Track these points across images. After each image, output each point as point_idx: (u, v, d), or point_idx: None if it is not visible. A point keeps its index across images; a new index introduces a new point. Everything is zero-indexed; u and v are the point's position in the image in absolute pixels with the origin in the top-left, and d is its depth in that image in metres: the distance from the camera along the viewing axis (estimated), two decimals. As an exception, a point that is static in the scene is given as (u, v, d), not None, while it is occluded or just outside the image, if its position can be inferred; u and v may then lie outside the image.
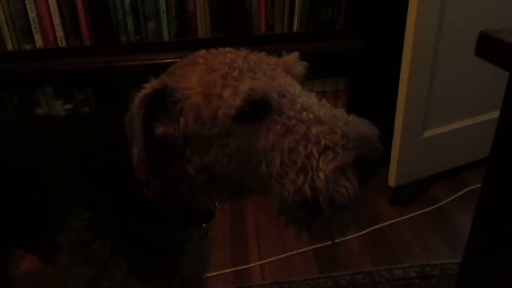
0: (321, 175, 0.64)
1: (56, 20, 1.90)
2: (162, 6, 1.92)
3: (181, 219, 0.88)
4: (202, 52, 0.79)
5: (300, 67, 0.78)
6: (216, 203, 0.94)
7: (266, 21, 1.99)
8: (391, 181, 2.17)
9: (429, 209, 2.08)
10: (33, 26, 1.90)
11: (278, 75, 0.73)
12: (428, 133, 2.12)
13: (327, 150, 0.65)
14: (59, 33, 1.92)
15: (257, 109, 0.70)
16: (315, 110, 0.69)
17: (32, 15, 1.87)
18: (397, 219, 2.01)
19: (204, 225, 0.93)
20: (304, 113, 0.69)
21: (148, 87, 0.74)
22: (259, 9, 1.96)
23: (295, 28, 2.02)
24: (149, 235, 0.89)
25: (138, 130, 0.72)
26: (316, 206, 0.65)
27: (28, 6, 1.85)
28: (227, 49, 0.78)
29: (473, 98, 2.16)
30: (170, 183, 0.82)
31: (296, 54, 0.79)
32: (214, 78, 0.71)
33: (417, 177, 2.21)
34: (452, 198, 2.14)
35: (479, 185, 2.14)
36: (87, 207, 0.86)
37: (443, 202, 2.12)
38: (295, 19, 1.99)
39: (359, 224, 1.98)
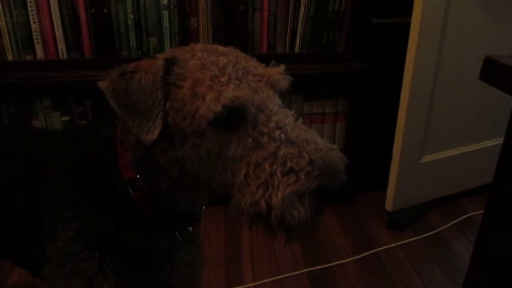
0: (279, 194, 0.67)
1: (58, 32, 1.90)
2: (165, 22, 1.93)
3: (166, 222, 0.88)
4: (199, 46, 0.81)
5: (284, 83, 0.80)
6: (203, 207, 0.94)
7: (268, 41, 2.00)
8: (388, 205, 2.15)
9: (426, 235, 2.06)
10: (34, 37, 1.89)
11: (261, 88, 0.75)
12: (426, 158, 2.12)
13: (291, 172, 0.67)
14: (61, 45, 1.92)
15: (233, 117, 0.72)
16: (288, 130, 0.71)
17: (34, 26, 1.87)
18: (394, 244, 1.99)
19: (190, 228, 0.93)
20: (277, 132, 0.71)
21: (161, 57, 0.77)
22: (262, 29, 1.98)
23: (296, 49, 2.03)
24: (137, 243, 0.88)
25: (160, 98, 0.74)
26: (268, 221, 0.68)
27: (31, 17, 1.86)
28: (220, 49, 0.80)
29: (472, 125, 2.17)
30: (152, 181, 0.83)
31: (282, 67, 0.80)
32: (204, 77, 0.73)
33: (414, 202, 2.20)
34: (449, 224, 2.13)
35: (477, 212, 2.15)
36: (75, 216, 0.86)
37: (440, 229, 2.10)
38: (297, 40, 2.01)
39: (356, 248, 1.96)
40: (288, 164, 0.68)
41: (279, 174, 0.67)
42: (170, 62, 0.76)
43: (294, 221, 0.66)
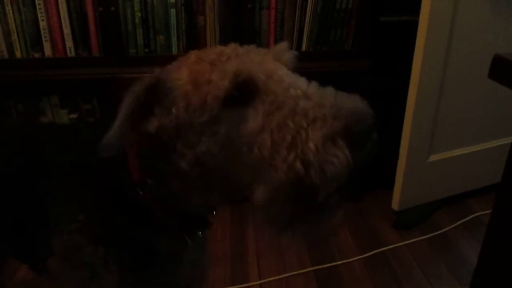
0: (311, 145, 0.62)
1: (66, 30, 1.91)
2: (173, 21, 1.93)
3: (175, 224, 0.87)
4: (195, 51, 0.80)
5: (289, 55, 0.78)
6: (214, 212, 0.92)
7: (275, 39, 2.00)
8: (395, 204, 2.15)
9: (432, 234, 2.05)
10: (43, 35, 1.91)
11: (267, 60, 0.74)
12: (434, 158, 2.11)
13: (316, 120, 0.64)
14: (68, 43, 1.93)
15: (245, 93, 0.69)
16: (303, 87, 0.69)
17: (42, 24, 1.89)
18: (400, 244, 1.99)
19: (200, 233, 0.92)
20: (292, 90, 0.68)
21: (142, 82, 0.73)
22: (269, 27, 1.98)
23: (303, 47, 2.02)
24: (143, 240, 0.87)
25: (124, 115, 0.71)
26: (310, 182, 0.62)
27: (39, 14, 1.87)
28: (218, 46, 0.79)
29: (480, 124, 2.15)
30: (163, 183, 0.81)
31: (285, 43, 0.79)
32: (203, 66, 0.72)
33: (421, 202, 2.19)
34: (456, 224, 2.11)
35: (484, 212, 2.14)
36: (80, 209, 0.86)
37: (447, 229, 2.09)
38: (304, 38, 2.00)
39: (362, 247, 1.96)
40: (311, 114, 0.64)
41: (304, 124, 0.64)
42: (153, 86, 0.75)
43: (336, 168, 0.61)
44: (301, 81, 0.72)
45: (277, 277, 1.78)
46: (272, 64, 0.73)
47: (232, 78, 0.68)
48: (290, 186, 0.64)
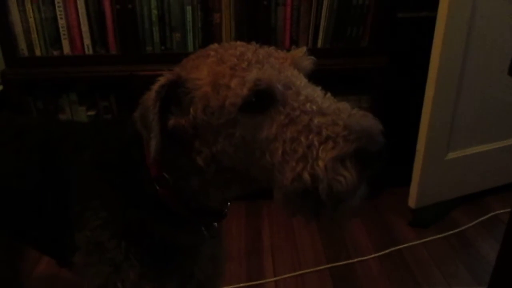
0: (321, 163, 0.65)
1: (84, 28, 1.93)
2: (189, 18, 1.94)
3: (192, 217, 0.89)
4: (214, 45, 0.81)
5: (308, 61, 0.79)
6: (228, 204, 0.94)
7: (291, 36, 2.00)
8: (411, 202, 2.13)
9: (450, 233, 2.03)
10: (61, 33, 1.94)
11: (285, 68, 0.74)
12: (451, 155, 2.08)
13: (328, 140, 0.66)
14: (87, 41, 1.96)
15: (263, 100, 0.71)
16: (319, 102, 0.71)
17: (61, 22, 1.91)
18: (417, 242, 1.97)
19: (215, 224, 0.94)
20: (308, 104, 0.70)
21: (163, 79, 0.76)
22: (284, 24, 1.97)
23: (319, 44, 2.02)
24: (162, 235, 0.89)
25: (155, 122, 0.74)
26: (316, 195, 0.66)
27: (58, 13, 1.90)
28: (238, 42, 0.80)
29: (499, 121, 2.12)
30: (181, 178, 0.83)
31: (304, 48, 0.80)
32: (224, 69, 0.73)
33: (438, 200, 2.16)
34: (474, 223, 2.09)
35: (503, 210, 2.11)
36: (102, 206, 0.88)
37: (464, 227, 2.06)
38: (320, 35, 1.99)
39: (378, 245, 1.95)
40: (324, 133, 0.66)
41: (316, 143, 0.66)
42: (173, 84, 0.76)
43: (342, 187, 0.64)
44: (317, 94, 0.73)
45: (292, 274, 1.78)
46: (290, 72, 0.74)
47: (251, 87, 0.70)
48: (297, 194, 0.68)
